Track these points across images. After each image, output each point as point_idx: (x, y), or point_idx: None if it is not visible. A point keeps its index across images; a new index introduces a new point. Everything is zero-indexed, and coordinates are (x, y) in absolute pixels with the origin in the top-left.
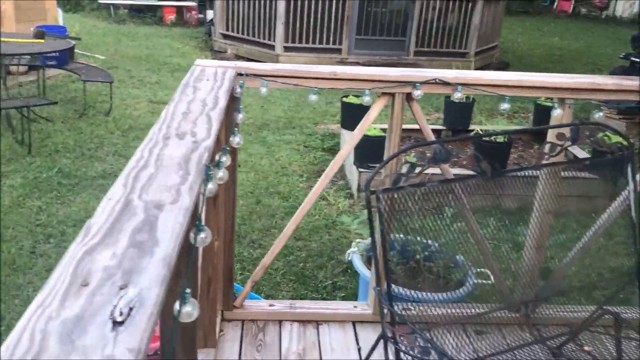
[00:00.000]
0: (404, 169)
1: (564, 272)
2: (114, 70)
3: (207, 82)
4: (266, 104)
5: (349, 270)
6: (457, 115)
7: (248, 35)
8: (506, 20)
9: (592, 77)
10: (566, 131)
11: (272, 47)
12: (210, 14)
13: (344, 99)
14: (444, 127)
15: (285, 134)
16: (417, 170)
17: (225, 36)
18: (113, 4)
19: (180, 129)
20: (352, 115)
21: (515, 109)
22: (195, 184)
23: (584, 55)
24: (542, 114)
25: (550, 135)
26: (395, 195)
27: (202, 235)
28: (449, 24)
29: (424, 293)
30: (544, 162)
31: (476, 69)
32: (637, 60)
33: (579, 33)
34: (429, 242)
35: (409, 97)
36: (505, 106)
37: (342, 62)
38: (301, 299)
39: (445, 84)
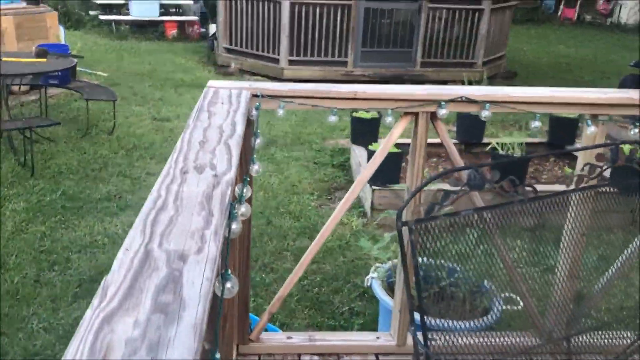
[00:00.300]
0: (438, 197)
1: (599, 297)
2: (116, 87)
3: (222, 105)
4: (272, 119)
5: (365, 295)
6: (470, 128)
7: (252, 49)
8: (511, 29)
9: (626, 92)
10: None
11: (277, 61)
12: (212, 28)
13: (354, 114)
14: (456, 141)
15: (293, 150)
16: (452, 197)
17: (228, 50)
18: (114, 20)
19: (198, 161)
20: (362, 130)
21: (526, 120)
22: (220, 227)
23: (591, 64)
24: (558, 125)
25: (585, 155)
26: (429, 226)
27: (229, 285)
28: (456, 34)
29: (448, 321)
30: (583, 185)
31: (483, 79)
32: None
33: (584, 40)
34: (454, 265)
35: (433, 116)
36: (536, 124)
37: (348, 75)
38: (318, 327)
39: (472, 101)
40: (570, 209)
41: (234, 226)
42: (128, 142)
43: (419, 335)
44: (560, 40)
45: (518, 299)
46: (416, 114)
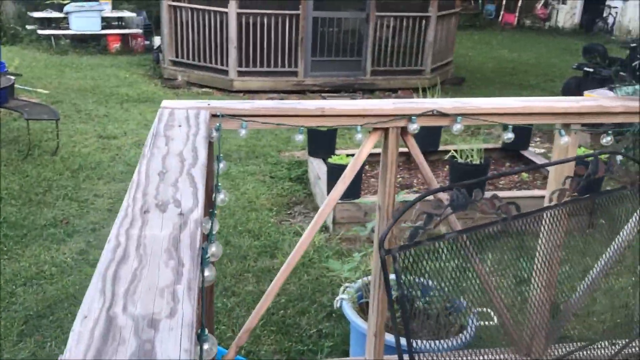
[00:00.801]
0: (421, 221)
1: (575, 308)
2: (58, 105)
3: (179, 128)
4: (224, 132)
5: (333, 315)
6: (426, 136)
7: (199, 61)
8: (455, 35)
9: (598, 100)
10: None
11: (226, 72)
12: (157, 41)
13: None
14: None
15: (248, 165)
16: (434, 221)
17: (175, 63)
18: (54, 35)
19: (159, 197)
20: (319, 142)
21: (478, 126)
22: (193, 280)
23: (534, 67)
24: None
25: (556, 169)
26: (413, 252)
27: (207, 346)
28: (404, 42)
29: (424, 342)
30: (566, 199)
31: (432, 85)
32: (590, 70)
33: (525, 45)
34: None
35: (403, 131)
36: (509, 135)
37: (299, 85)
38: (286, 352)
39: (444, 115)
40: (544, 222)
41: (207, 273)
42: (73, 163)
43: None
44: (503, 45)
45: (492, 313)
46: (386, 129)
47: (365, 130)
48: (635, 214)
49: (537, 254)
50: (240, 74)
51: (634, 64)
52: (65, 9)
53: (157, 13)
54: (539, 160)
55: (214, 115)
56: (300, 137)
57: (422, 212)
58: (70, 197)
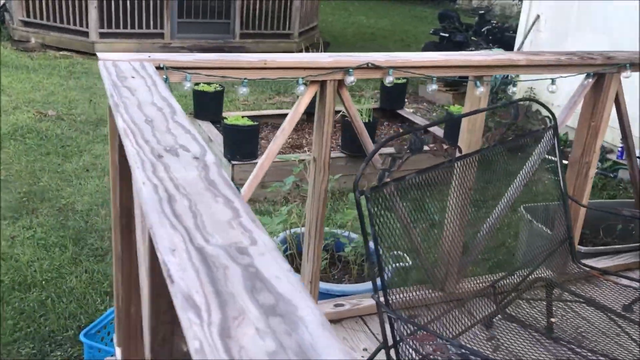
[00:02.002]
0: (387, 164)
1: (482, 244)
2: None
3: (134, 80)
4: (94, 97)
5: None
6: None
7: (55, 21)
8: None
9: (508, 54)
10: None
11: (86, 34)
12: None
13: (195, 87)
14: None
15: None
16: (398, 163)
17: (26, 23)
18: None
19: (163, 143)
20: (204, 105)
21: (355, 89)
22: (249, 212)
23: (391, 33)
24: (388, 90)
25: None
26: (382, 192)
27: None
28: (272, 5)
29: (348, 286)
30: (494, 140)
31: (300, 50)
32: (445, 35)
33: (380, 11)
34: (346, 233)
35: (339, 84)
36: (433, 87)
37: (166, 47)
38: None
39: (377, 67)
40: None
41: None
42: None
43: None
44: (360, 12)
45: (405, 255)
46: (323, 82)
47: (281, 83)
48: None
49: (451, 196)
50: (102, 35)
51: (483, 30)
52: None
53: None
54: (415, 119)
55: (158, 68)
56: (245, 90)
57: (387, 155)
58: None
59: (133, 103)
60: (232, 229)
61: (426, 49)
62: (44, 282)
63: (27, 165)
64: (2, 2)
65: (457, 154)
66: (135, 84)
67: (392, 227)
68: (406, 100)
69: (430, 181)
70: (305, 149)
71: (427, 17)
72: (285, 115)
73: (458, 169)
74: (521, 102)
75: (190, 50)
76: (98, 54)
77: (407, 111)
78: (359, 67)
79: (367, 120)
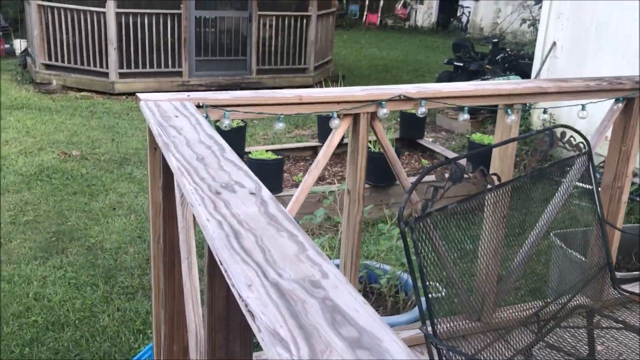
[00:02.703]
0: (429, 193)
1: (517, 272)
2: None
3: (178, 119)
4: (116, 136)
5: None
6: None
7: (76, 63)
8: None
9: (538, 82)
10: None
11: (106, 75)
12: (18, 44)
13: (217, 123)
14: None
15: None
16: (439, 192)
17: (48, 66)
18: None
19: (218, 180)
20: (227, 140)
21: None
22: (313, 247)
23: (403, 63)
24: (408, 120)
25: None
26: (426, 222)
27: None
28: (287, 40)
29: (388, 318)
30: (531, 168)
31: (316, 83)
32: (460, 64)
33: (392, 43)
34: (378, 264)
35: (372, 116)
36: (465, 117)
37: (185, 85)
38: None
39: (409, 99)
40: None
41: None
42: None
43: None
44: (371, 44)
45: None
46: (356, 115)
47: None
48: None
49: (485, 224)
50: (122, 75)
51: (497, 58)
52: None
53: (15, 14)
54: (435, 148)
55: (198, 106)
56: (281, 125)
57: (429, 186)
58: None
59: (182, 142)
60: (301, 263)
61: (441, 78)
62: (76, 321)
63: (55, 205)
64: (24, 47)
65: (496, 182)
66: (180, 123)
67: (436, 256)
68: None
69: (470, 210)
70: (328, 180)
71: (438, 47)
72: (306, 148)
73: (493, 197)
74: (555, 129)
75: (209, 87)
76: (138, 94)
77: (427, 140)
78: (391, 99)
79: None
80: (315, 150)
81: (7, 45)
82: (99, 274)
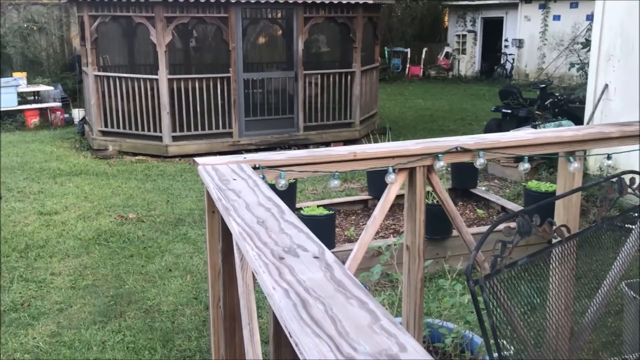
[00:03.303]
0: (497, 249)
1: (590, 326)
2: None
3: (236, 182)
4: (171, 198)
5: None
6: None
7: (131, 129)
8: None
9: (599, 127)
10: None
11: (160, 138)
12: (76, 113)
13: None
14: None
15: (205, 227)
16: (508, 248)
17: (104, 133)
18: None
19: (280, 244)
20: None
21: None
22: (386, 316)
23: (450, 113)
24: (461, 170)
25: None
26: (496, 280)
27: None
28: (332, 97)
29: None
30: (602, 217)
31: (362, 137)
32: (508, 111)
33: (436, 93)
34: (439, 322)
35: (429, 169)
36: (525, 166)
37: (235, 145)
38: None
39: (467, 150)
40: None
41: None
42: (19, 242)
43: None
44: (415, 95)
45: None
46: (412, 169)
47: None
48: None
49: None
50: (175, 138)
51: (546, 103)
52: None
53: (73, 85)
54: (490, 197)
55: (254, 168)
56: (336, 183)
57: (497, 240)
58: (25, 278)
59: (241, 205)
60: (375, 334)
61: (489, 126)
62: None
63: (113, 269)
64: (81, 116)
65: (566, 234)
66: (238, 185)
67: (504, 313)
68: None
69: (542, 265)
70: (381, 234)
71: (484, 95)
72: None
73: (561, 249)
74: (623, 175)
75: (258, 146)
76: (196, 159)
77: (480, 189)
78: (448, 152)
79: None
80: (366, 204)
81: (66, 115)
82: (156, 337)
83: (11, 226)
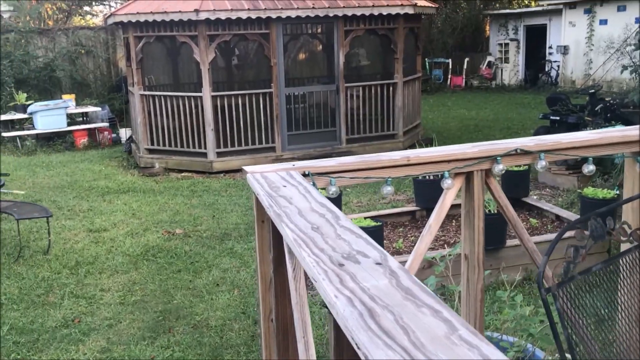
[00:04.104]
0: (569, 254)
1: None
2: (38, 204)
3: (286, 189)
4: (216, 212)
5: None
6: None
7: (176, 146)
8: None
9: None
10: None
11: (204, 155)
12: (124, 132)
13: None
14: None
15: (252, 241)
16: (581, 253)
17: (150, 151)
18: (19, 136)
19: (338, 250)
20: None
21: None
22: (464, 325)
23: (495, 122)
24: (511, 178)
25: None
26: (569, 288)
27: None
28: (374, 109)
29: None
30: None
31: (405, 148)
32: (556, 118)
33: (479, 103)
34: (498, 335)
35: (487, 173)
36: (590, 168)
37: (278, 159)
38: None
39: (527, 152)
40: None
41: None
42: (69, 259)
43: None
44: (459, 105)
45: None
46: (469, 174)
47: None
48: None
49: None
50: (219, 154)
51: (596, 108)
52: (30, 109)
53: (120, 106)
54: (543, 206)
55: (303, 175)
56: (389, 189)
57: (569, 246)
58: (75, 294)
59: (294, 211)
60: (455, 346)
61: (538, 133)
62: None
63: (161, 284)
64: (129, 135)
65: None
66: (289, 192)
67: (584, 326)
68: None
69: (617, 270)
70: (430, 245)
71: (529, 104)
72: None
73: (635, 255)
74: None
75: (301, 159)
76: (245, 167)
77: (532, 198)
78: (507, 154)
79: (495, 211)
80: (413, 215)
81: (113, 135)
82: (205, 352)
83: (62, 243)
